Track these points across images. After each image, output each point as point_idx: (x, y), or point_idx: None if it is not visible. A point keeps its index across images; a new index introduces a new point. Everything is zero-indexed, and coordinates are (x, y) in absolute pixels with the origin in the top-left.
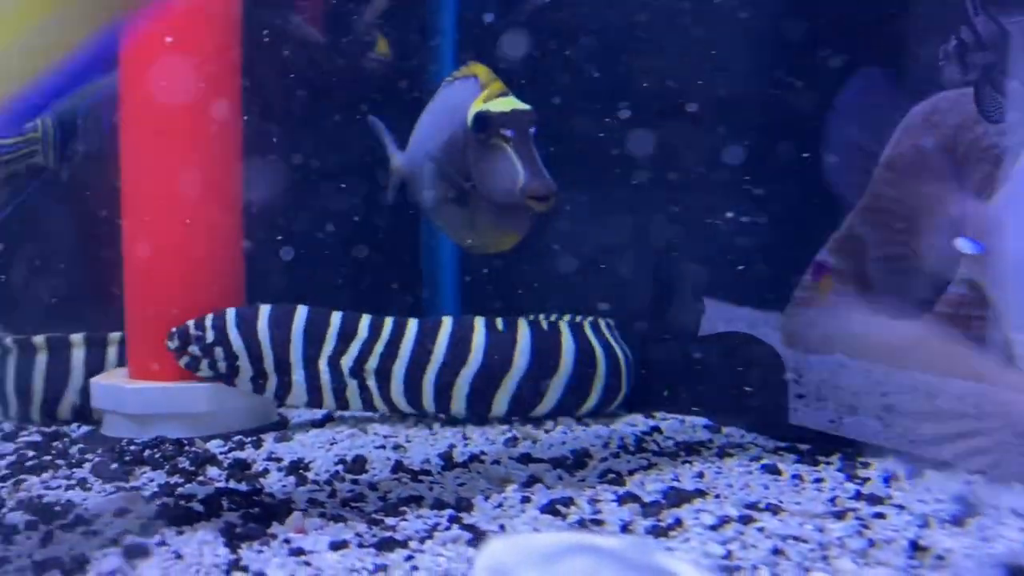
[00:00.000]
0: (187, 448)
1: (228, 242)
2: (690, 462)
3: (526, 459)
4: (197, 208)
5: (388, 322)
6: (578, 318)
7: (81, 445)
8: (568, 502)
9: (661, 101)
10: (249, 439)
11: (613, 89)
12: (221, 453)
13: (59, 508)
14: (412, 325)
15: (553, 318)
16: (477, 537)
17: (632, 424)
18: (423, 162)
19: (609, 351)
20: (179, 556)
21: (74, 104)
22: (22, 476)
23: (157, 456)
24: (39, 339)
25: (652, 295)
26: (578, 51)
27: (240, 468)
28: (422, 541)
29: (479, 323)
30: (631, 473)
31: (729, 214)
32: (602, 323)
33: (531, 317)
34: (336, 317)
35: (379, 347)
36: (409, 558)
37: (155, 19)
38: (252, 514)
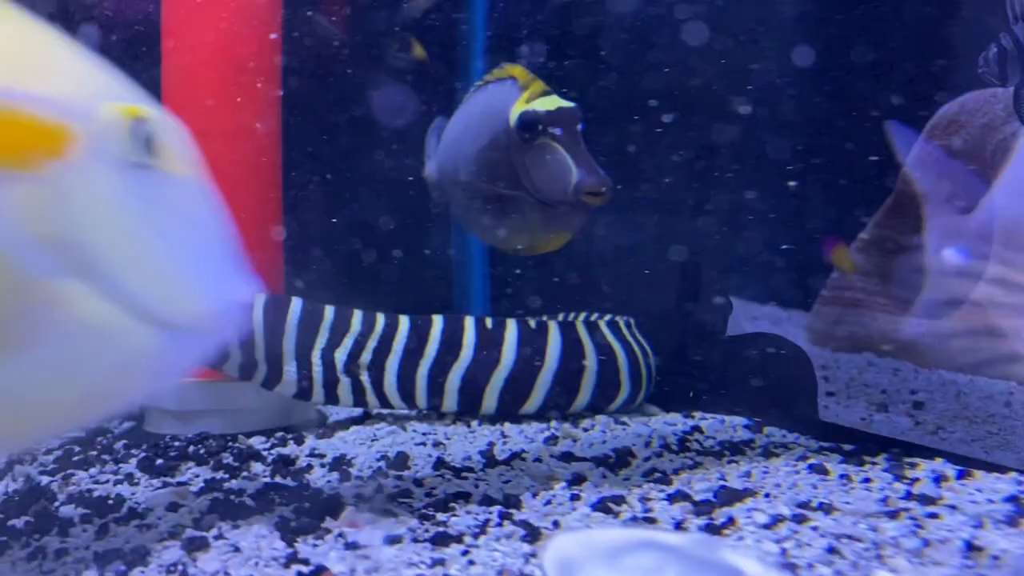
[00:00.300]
0: (230, 444)
1: (269, 244)
2: (736, 461)
3: (568, 457)
4: (238, 211)
5: (380, 317)
6: (593, 316)
7: (125, 441)
8: (619, 500)
9: (684, 96)
10: (291, 436)
11: (637, 87)
12: (264, 449)
13: (111, 502)
14: (404, 321)
15: (571, 317)
16: (531, 533)
17: (671, 423)
18: (457, 168)
19: (626, 348)
20: (237, 549)
21: None
22: (70, 471)
23: (201, 452)
24: None
25: (678, 294)
26: (603, 50)
27: (284, 464)
28: (476, 536)
29: (469, 321)
30: (677, 472)
31: (753, 212)
32: (620, 321)
33: (545, 318)
34: (330, 311)
35: (372, 342)
36: (465, 552)
37: (197, 20)
38: (304, 509)
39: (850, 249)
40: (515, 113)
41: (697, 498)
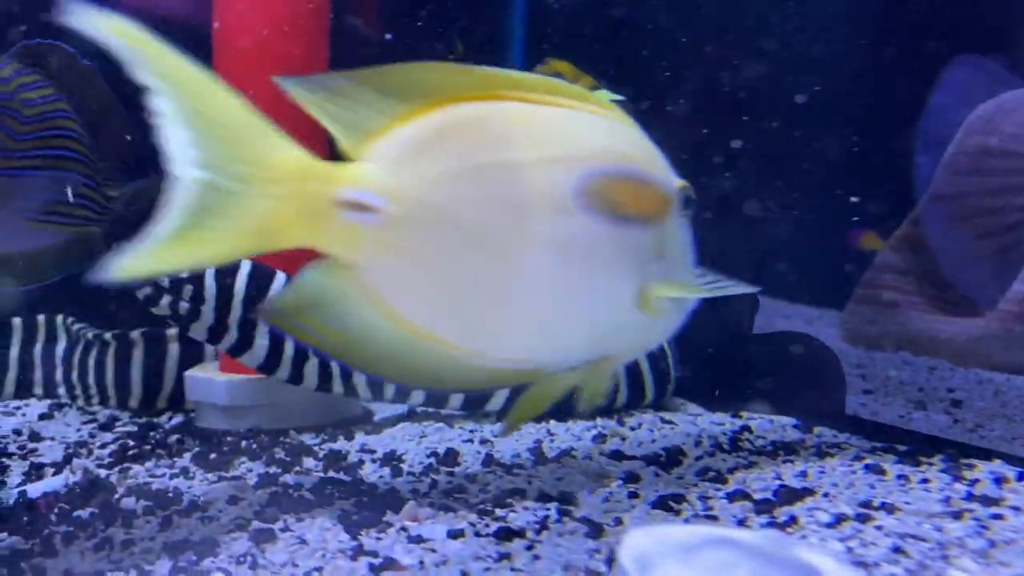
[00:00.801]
0: (282, 440)
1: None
2: (791, 461)
3: (618, 456)
4: None
5: None
6: None
7: (178, 436)
8: (679, 498)
9: (710, 93)
10: (340, 431)
11: (673, 82)
12: (315, 445)
13: (171, 495)
14: None
15: None
16: (594, 530)
17: (719, 423)
18: None
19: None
20: (303, 541)
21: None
22: (126, 464)
23: (254, 447)
24: (135, 334)
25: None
26: (648, 47)
27: (336, 459)
28: (537, 532)
29: None
30: (732, 471)
31: (784, 210)
32: None
33: None
34: None
35: None
36: (529, 547)
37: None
38: (364, 503)
39: (884, 246)
40: None
41: (756, 497)
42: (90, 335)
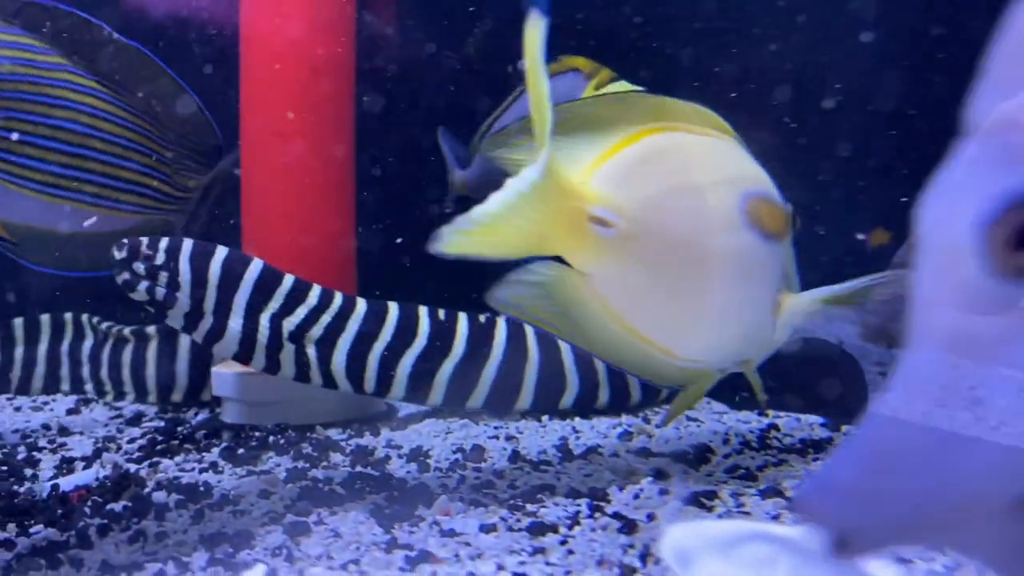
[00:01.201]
0: (309, 435)
1: (344, 247)
2: (820, 459)
3: (645, 453)
4: (313, 213)
5: (338, 295)
6: None
7: (205, 431)
8: (711, 495)
9: (733, 85)
10: (366, 427)
11: (688, 73)
12: (342, 440)
13: (201, 489)
14: (361, 303)
15: None
16: (627, 525)
17: (745, 421)
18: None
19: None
20: (337, 534)
21: (226, 168)
22: (155, 459)
23: (281, 442)
24: (151, 329)
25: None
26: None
27: (363, 455)
28: (570, 527)
29: (423, 310)
30: (761, 469)
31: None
32: None
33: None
34: (289, 278)
35: (326, 317)
36: (563, 542)
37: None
38: (395, 497)
39: (905, 245)
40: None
41: (789, 494)
42: (126, 332)
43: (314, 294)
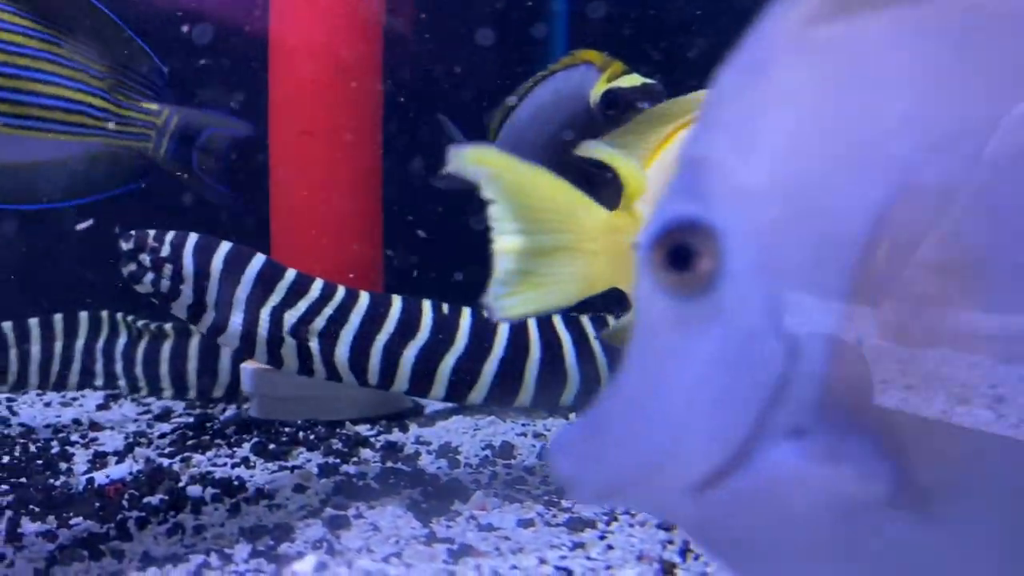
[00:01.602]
0: (338, 431)
1: (372, 243)
2: None
3: None
4: (342, 211)
5: (341, 288)
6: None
7: (235, 427)
8: None
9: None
10: (394, 423)
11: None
12: (371, 436)
13: (235, 483)
14: (364, 296)
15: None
16: (664, 522)
17: None
18: (529, 159)
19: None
20: (376, 528)
21: (204, 121)
22: (186, 454)
23: (311, 438)
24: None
25: None
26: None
27: (394, 451)
28: (608, 523)
29: (426, 304)
30: None
31: None
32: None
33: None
34: (291, 272)
35: (328, 310)
36: (601, 537)
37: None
38: (430, 492)
39: None
40: (597, 93)
41: None
42: (159, 327)
43: (316, 287)
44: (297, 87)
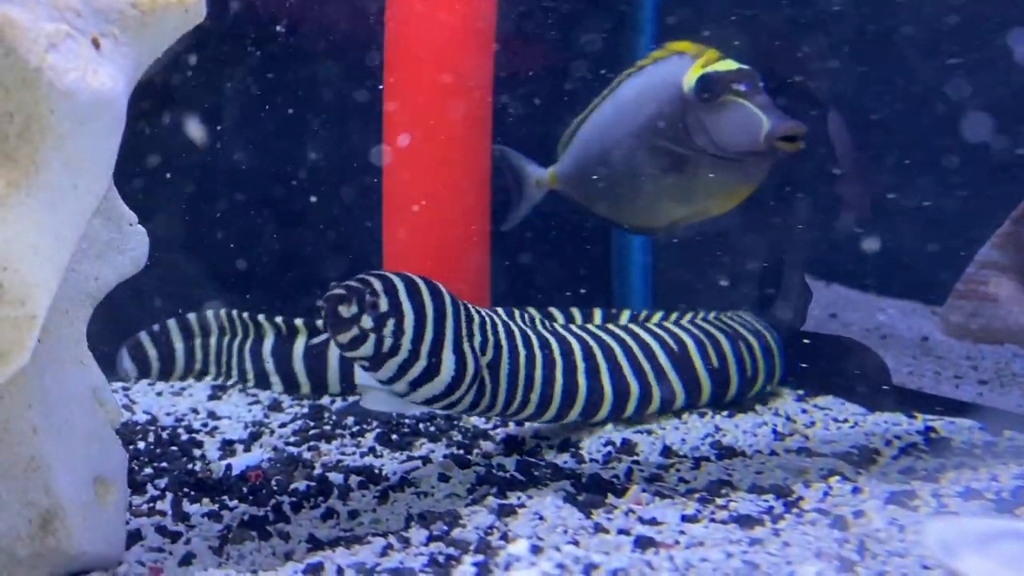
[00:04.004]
0: (456, 423)
1: (479, 245)
2: (1006, 463)
3: (806, 452)
4: (455, 220)
5: (502, 315)
6: (689, 314)
7: (353, 418)
8: (911, 495)
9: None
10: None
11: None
12: (488, 429)
13: (375, 471)
14: (514, 326)
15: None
16: (838, 520)
17: (895, 423)
18: (608, 152)
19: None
20: (541, 517)
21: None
22: (313, 443)
23: (432, 430)
24: (299, 322)
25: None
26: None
27: (515, 444)
28: (775, 521)
29: (571, 336)
30: (940, 471)
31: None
32: (726, 317)
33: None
34: (457, 298)
35: (518, 346)
36: (776, 534)
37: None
38: (582, 485)
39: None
40: (691, 78)
41: (989, 496)
42: (298, 323)
43: (491, 317)
44: (411, 87)
